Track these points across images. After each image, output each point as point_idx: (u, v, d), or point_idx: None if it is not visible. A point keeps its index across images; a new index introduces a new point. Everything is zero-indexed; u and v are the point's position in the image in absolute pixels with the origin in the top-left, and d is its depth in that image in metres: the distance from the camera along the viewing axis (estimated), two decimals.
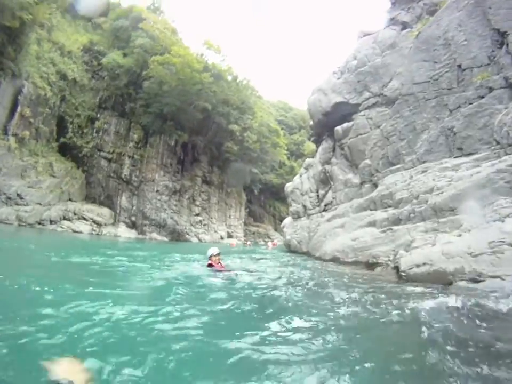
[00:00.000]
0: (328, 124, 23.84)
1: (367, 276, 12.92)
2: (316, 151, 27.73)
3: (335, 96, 23.06)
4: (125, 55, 44.05)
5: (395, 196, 15.57)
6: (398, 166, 17.12)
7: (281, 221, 65.17)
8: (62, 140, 40.47)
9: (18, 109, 34.17)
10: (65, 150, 41.20)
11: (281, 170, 65.06)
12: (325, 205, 23.95)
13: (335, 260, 17.35)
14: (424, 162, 15.63)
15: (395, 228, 14.53)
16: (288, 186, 30.28)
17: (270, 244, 42.95)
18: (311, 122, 28.39)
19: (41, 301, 5.64)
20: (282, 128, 59.15)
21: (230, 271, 11.20)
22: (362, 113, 20.73)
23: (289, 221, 29.98)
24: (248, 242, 48.14)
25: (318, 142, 27.17)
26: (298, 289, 9.12)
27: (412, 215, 13.92)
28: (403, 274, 11.52)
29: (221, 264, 11.75)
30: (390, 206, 15.96)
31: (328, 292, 8.84)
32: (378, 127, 19.26)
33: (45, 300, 5.79)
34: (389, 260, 13.84)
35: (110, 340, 4.21)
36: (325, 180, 24.13)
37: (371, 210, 17.65)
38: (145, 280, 9.19)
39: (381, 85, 19.77)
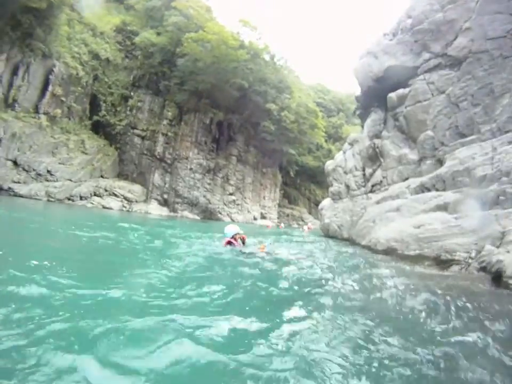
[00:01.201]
0: (379, 91, 19.44)
1: (441, 278, 8.85)
2: (362, 126, 23.43)
3: (388, 59, 18.76)
4: (158, 34, 42.03)
5: (474, 172, 11.46)
6: (473, 137, 13.00)
7: (316, 205, 62.22)
8: (95, 118, 39.48)
9: (50, 88, 33.56)
10: (98, 128, 40.23)
11: (319, 152, 61.35)
12: (373, 185, 19.48)
13: (390, 251, 13.10)
14: (508, 131, 11.68)
15: (477, 214, 10.42)
16: (329, 164, 25.83)
17: (305, 227, 39.58)
18: (357, 93, 24.05)
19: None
20: (320, 111, 55.09)
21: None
22: (421, 77, 16.48)
23: (329, 202, 25.44)
24: (281, 225, 45.23)
25: (365, 116, 22.57)
26: (349, 290, 6.57)
27: (501, 197, 9.98)
28: (509, 282, 7.50)
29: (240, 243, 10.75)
30: (466, 186, 11.82)
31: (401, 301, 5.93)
32: (443, 92, 15.09)
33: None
34: (470, 257, 9.77)
35: None
36: (374, 157, 19.61)
37: (438, 190, 13.48)
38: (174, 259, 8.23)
39: (444, 43, 15.59)
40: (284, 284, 6.50)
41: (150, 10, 44.14)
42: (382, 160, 18.86)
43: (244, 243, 10.88)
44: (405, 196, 15.33)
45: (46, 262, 5.94)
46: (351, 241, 19.04)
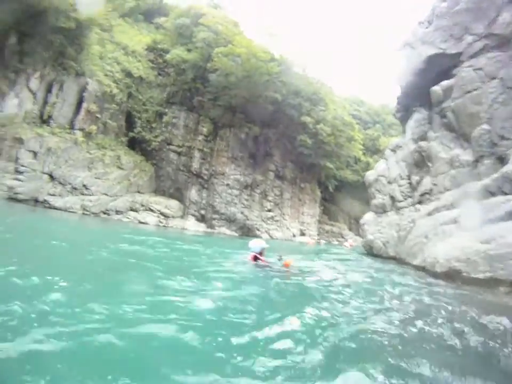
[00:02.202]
0: (421, 86, 16.57)
1: None
2: (403, 131, 20.38)
3: (427, 48, 16.00)
4: (189, 50, 40.78)
5: None
6: None
7: (356, 220, 58.97)
8: (130, 134, 38.49)
9: (84, 105, 32.97)
10: (135, 144, 39.23)
11: (357, 166, 57.40)
12: (421, 195, 16.33)
13: (451, 273, 9.95)
14: None
15: None
16: (370, 175, 22.65)
17: (346, 243, 37.55)
18: (397, 94, 20.97)
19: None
20: (356, 123, 51.91)
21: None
22: (466, 63, 13.85)
23: (371, 216, 22.10)
24: (321, 241, 42.89)
25: (406, 118, 19.49)
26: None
27: None
28: None
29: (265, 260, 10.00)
30: None
31: None
32: (494, 77, 12.47)
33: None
34: None
35: None
36: (420, 162, 16.51)
37: (506, 194, 10.37)
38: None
39: (487, 22, 13.21)
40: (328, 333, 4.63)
41: (179, 28, 42.94)
42: (430, 165, 15.77)
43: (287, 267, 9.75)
44: (462, 204, 12.19)
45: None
46: (398, 260, 15.95)
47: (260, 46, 40.59)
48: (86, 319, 4.00)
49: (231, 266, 9.77)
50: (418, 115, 17.26)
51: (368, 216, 22.78)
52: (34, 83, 30.36)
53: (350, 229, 58.88)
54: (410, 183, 17.69)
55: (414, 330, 5.06)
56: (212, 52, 38.25)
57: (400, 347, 4.40)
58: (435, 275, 10.86)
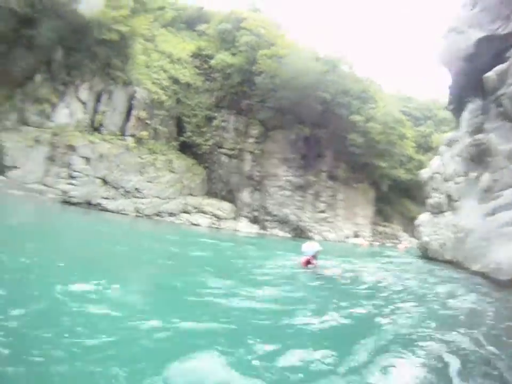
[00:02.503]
0: (473, 73, 14.98)
1: None
2: (457, 123, 18.72)
3: (476, 32, 14.60)
4: (233, 54, 40.55)
5: None
6: None
7: (411, 221, 55.99)
8: (181, 139, 38.68)
9: (133, 112, 33.72)
10: (186, 148, 39.14)
11: (410, 164, 53.56)
12: (479, 193, 14.76)
13: None
14: None
15: None
16: (425, 172, 21.06)
17: (400, 245, 36.74)
18: (448, 85, 19.27)
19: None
20: (407, 120, 50.17)
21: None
22: None
23: (427, 217, 20.47)
24: (375, 243, 41.62)
25: (459, 109, 17.87)
26: None
27: None
28: None
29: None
30: None
31: None
32: None
33: None
34: None
35: None
36: (478, 156, 14.88)
37: None
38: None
39: None
40: None
41: (221, 34, 42.72)
42: (488, 159, 14.13)
43: None
44: None
45: None
46: (456, 265, 14.49)
47: (304, 46, 40.29)
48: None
49: (280, 270, 9.55)
50: (473, 105, 15.64)
51: (424, 217, 21.17)
52: (83, 93, 31.14)
53: (405, 230, 55.57)
54: (467, 180, 16.04)
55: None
56: (256, 54, 38.01)
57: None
58: (499, 283, 9.54)
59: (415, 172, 51.04)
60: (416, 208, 56.79)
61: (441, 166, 18.76)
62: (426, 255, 18.80)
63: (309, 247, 9.70)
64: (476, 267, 11.72)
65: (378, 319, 5.47)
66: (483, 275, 10.67)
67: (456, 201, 16.45)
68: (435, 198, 18.98)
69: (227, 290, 6.33)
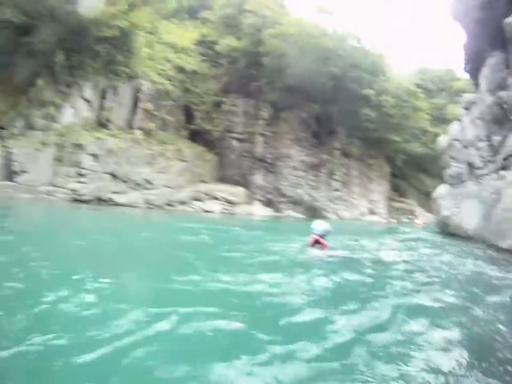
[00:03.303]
0: (490, 22, 12.48)
1: None
2: (476, 85, 16.21)
3: None
4: (238, 38, 38.98)
5: None
6: None
7: (427, 196, 53.72)
8: (191, 127, 37.73)
9: (140, 105, 32.99)
10: (195, 136, 38.14)
11: (425, 138, 50.84)
12: (505, 158, 12.24)
13: None
14: None
15: None
16: (443, 140, 18.47)
17: (418, 220, 35.50)
18: (463, 43, 16.64)
19: None
20: (421, 92, 47.01)
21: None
22: None
23: (446, 189, 17.81)
24: (388, 220, 39.77)
25: (476, 69, 15.33)
26: None
27: None
28: None
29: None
30: None
31: None
32: None
33: None
34: None
35: None
36: (501, 117, 12.38)
37: None
38: None
39: None
40: None
41: (225, 18, 41.14)
42: None
43: None
44: None
45: None
46: (481, 241, 12.13)
47: (310, 23, 38.01)
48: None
49: (284, 253, 8.61)
50: (493, 60, 13.07)
51: (443, 189, 18.54)
52: (88, 92, 30.47)
53: (421, 205, 53.54)
54: (491, 145, 13.54)
55: None
56: (261, 36, 36.49)
57: None
58: None
59: (430, 145, 49.41)
60: (432, 183, 54.69)
61: (460, 131, 16.15)
62: (446, 230, 16.42)
63: (318, 226, 8.73)
64: (506, 244, 9.51)
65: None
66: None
67: (479, 169, 13.98)
68: (454, 167, 16.40)
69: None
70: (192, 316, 3.67)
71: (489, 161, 13.31)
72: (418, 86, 47.21)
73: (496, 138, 12.71)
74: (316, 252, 8.29)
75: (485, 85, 13.54)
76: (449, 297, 5.11)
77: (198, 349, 3.12)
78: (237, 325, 3.57)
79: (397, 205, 50.15)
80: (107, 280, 4.65)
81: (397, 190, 53.71)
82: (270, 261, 7.62)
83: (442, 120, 52.52)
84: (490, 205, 11.92)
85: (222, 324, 3.56)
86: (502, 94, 12.10)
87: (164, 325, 3.40)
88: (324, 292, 5.20)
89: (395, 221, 39.90)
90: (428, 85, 57.72)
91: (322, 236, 8.51)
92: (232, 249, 8.80)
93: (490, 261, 8.45)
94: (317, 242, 8.43)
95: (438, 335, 3.68)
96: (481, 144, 13.96)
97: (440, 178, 19.57)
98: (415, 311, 4.40)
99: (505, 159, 12.17)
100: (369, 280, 6.19)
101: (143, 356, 2.81)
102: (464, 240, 13.58)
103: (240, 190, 36.83)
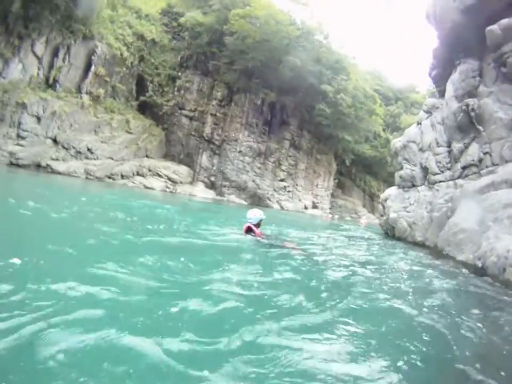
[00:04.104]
0: (469, 30, 11.72)
1: None
2: (438, 91, 15.63)
3: None
4: (204, 14, 37.77)
5: None
6: None
7: (371, 197, 55.24)
8: (141, 98, 36.27)
9: (92, 68, 31.43)
10: (145, 108, 36.89)
11: (376, 142, 52.63)
12: (465, 167, 11.63)
13: None
14: None
15: None
16: (397, 141, 17.80)
17: (363, 220, 34.37)
18: (433, 47, 15.91)
19: None
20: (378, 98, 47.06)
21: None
22: None
23: (395, 191, 17.19)
24: (330, 216, 37.90)
25: (443, 76, 14.54)
26: None
27: None
28: None
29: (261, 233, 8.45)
30: None
31: None
32: None
33: None
34: None
35: None
36: (466, 125, 11.61)
37: None
38: None
39: None
40: None
41: None
42: (480, 128, 11.09)
43: None
44: None
45: None
46: (430, 249, 11.52)
47: (280, 10, 37.19)
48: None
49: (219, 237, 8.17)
50: (465, 66, 12.31)
51: (391, 191, 17.88)
52: (39, 48, 29.00)
53: (364, 206, 54.99)
54: (450, 151, 12.90)
55: None
56: (229, 14, 35.17)
57: None
58: (502, 282, 6.75)
59: (380, 149, 51.09)
60: (377, 185, 55.90)
61: (419, 134, 15.44)
62: (392, 233, 15.85)
63: (253, 214, 8.68)
64: (462, 257, 8.81)
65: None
66: (474, 268, 7.87)
67: (435, 174, 13.36)
68: (407, 169, 15.76)
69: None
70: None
71: (447, 168, 12.73)
72: (377, 91, 46.88)
73: (457, 146, 12.03)
74: (248, 238, 8.07)
75: (452, 91, 12.80)
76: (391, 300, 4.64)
77: None
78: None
79: (340, 202, 50.39)
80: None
81: (342, 188, 54.04)
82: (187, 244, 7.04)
83: (395, 127, 53.49)
84: (444, 213, 11.32)
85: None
86: (471, 101, 11.36)
87: None
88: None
89: (337, 217, 39.36)
90: (386, 92, 58.13)
91: (256, 225, 8.44)
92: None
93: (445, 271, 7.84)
94: (250, 229, 8.33)
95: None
96: (440, 150, 13.30)
97: (386, 183, 19.19)
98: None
99: (464, 167, 11.56)
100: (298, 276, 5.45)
101: None
102: (411, 245, 13.04)
103: (184, 169, 36.07)
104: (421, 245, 12.53)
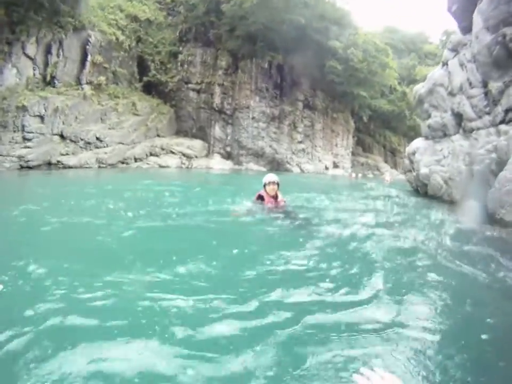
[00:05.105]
0: None
1: None
2: (461, 27, 13.42)
3: None
4: None
5: None
6: None
7: (392, 152, 53.27)
8: (145, 79, 35.33)
9: (89, 58, 30.56)
10: (150, 88, 35.98)
11: (393, 96, 50.54)
12: (507, 110, 9.65)
13: None
14: None
15: None
16: (420, 87, 15.69)
17: (387, 177, 32.85)
18: None
19: None
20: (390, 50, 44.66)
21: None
22: None
23: (424, 143, 15.13)
24: (354, 175, 37.07)
25: (466, 9, 12.31)
26: None
27: None
28: None
29: (276, 200, 7.53)
30: None
31: None
32: None
33: None
34: None
35: None
36: (504, 59, 9.59)
37: None
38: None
39: None
40: None
41: None
42: None
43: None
44: None
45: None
46: (473, 208, 9.81)
47: None
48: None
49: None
50: None
51: (419, 143, 15.82)
52: (30, 49, 28.23)
53: (386, 161, 53.55)
54: (487, 93, 10.74)
55: None
56: None
57: None
58: None
59: (397, 103, 49.58)
60: (397, 140, 54.45)
61: (445, 75, 13.27)
62: (424, 190, 14.13)
63: (264, 179, 7.88)
64: (509, 217, 7.25)
65: None
66: None
67: (471, 121, 11.38)
68: (436, 117, 13.65)
69: None
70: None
71: (486, 113, 10.71)
72: (388, 45, 44.66)
73: (496, 85, 10.04)
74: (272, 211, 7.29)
75: (480, 23, 10.67)
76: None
77: None
78: None
79: (361, 160, 49.20)
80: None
81: (362, 145, 52.74)
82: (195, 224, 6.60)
83: (410, 80, 51.55)
84: (487, 165, 9.57)
85: None
86: (508, 30, 9.39)
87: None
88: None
89: (360, 175, 38.10)
90: (398, 44, 56.19)
91: (267, 191, 7.70)
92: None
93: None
94: (259, 197, 7.66)
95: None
96: (475, 91, 11.16)
97: (406, 137, 17.34)
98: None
99: (507, 110, 9.68)
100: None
101: None
102: (447, 204, 11.38)
103: (198, 143, 35.53)
104: (460, 205, 10.79)
